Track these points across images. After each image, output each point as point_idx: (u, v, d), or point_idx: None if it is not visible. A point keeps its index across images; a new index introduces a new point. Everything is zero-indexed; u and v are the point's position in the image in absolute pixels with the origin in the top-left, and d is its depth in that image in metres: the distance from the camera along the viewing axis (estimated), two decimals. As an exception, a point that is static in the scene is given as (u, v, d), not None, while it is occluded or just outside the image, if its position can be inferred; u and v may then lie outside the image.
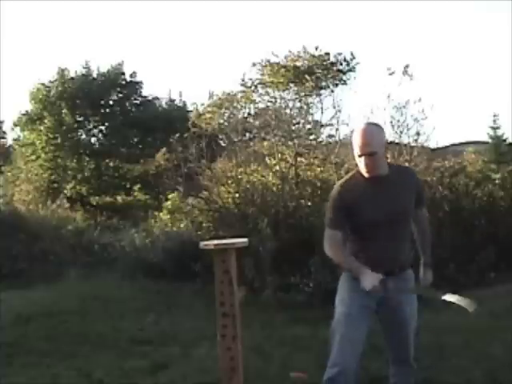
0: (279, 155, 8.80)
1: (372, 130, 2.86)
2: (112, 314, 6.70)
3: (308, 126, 9.79)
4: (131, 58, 42.94)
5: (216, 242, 3.14)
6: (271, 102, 10.53)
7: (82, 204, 18.76)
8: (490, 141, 22.41)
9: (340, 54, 12.33)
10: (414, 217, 3.01)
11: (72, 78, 20.65)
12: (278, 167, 8.64)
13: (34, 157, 19.97)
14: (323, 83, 10.96)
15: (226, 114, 9.85)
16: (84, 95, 20.27)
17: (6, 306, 7.04)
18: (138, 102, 21.91)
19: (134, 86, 21.71)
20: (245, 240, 3.21)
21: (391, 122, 8.28)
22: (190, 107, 18.28)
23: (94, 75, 21.10)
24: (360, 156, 2.82)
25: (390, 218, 2.84)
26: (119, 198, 19.96)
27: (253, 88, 11.20)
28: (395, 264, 2.91)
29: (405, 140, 8.46)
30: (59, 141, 20.04)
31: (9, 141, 24.64)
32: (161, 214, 11.31)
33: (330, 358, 2.84)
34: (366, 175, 2.85)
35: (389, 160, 8.37)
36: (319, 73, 11.13)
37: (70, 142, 20.33)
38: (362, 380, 4.01)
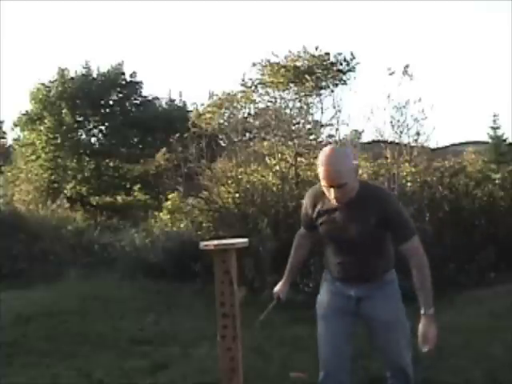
0: (279, 155, 8.80)
1: (338, 158, 2.66)
2: (112, 314, 6.70)
3: (308, 126, 9.79)
4: (131, 58, 43.04)
5: (216, 242, 3.14)
6: (271, 101, 10.54)
7: (82, 204, 18.76)
8: (490, 141, 22.42)
9: (340, 54, 12.36)
10: (401, 252, 2.78)
11: (72, 78, 20.65)
12: (278, 167, 8.65)
13: (33, 157, 19.98)
14: (323, 83, 10.97)
15: (226, 114, 9.85)
16: (84, 95, 20.27)
17: (5, 306, 7.04)
18: (138, 102, 21.91)
19: (134, 86, 21.72)
20: (245, 240, 3.20)
21: (391, 122, 8.28)
22: (190, 107, 18.31)
23: (94, 75, 21.10)
24: (327, 187, 2.70)
25: (346, 239, 2.76)
26: (119, 198, 19.96)
27: (253, 88, 11.22)
28: (363, 277, 2.85)
29: (405, 140, 8.46)
30: (59, 141, 20.05)
31: (9, 141, 24.68)
32: (161, 214, 11.31)
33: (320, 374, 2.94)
34: (333, 202, 2.73)
35: (389, 160, 8.45)
36: (319, 73, 11.15)
37: (69, 142, 20.34)
38: (362, 380, 4.02)
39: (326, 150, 2.71)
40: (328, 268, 3.00)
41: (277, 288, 3.36)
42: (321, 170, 2.68)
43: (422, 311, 2.77)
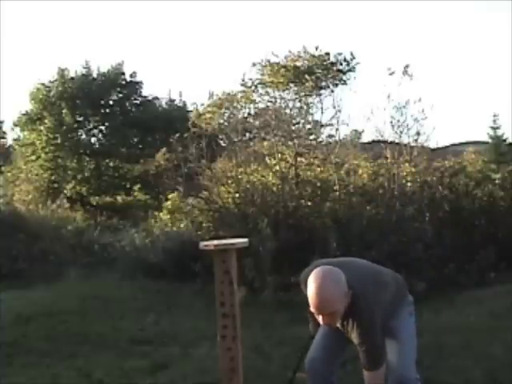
0: (279, 155, 8.80)
1: (329, 287, 2.54)
2: (112, 314, 6.70)
3: (308, 126, 9.79)
4: (131, 58, 43.00)
5: (216, 242, 3.14)
6: (271, 101, 10.55)
7: (82, 204, 18.75)
8: (490, 141, 22.40)
9: (340, 54, 12.35)
10: None
11: (72, 78, 20.63)
12: (277, 167, 8.65)
13: (33, 157, 19.97)
14: (323, 83, 10.97)
15: (226, 114, 9.85)
16: (84, 95, 20.26)
17: (5, 306, 7.04)
18: (138, 102, 21.89)
19: (134, 86, 21.70)
20: (245, 240, 3.20)
21: (391, 122, 8.29)
22: (190, 107, 18.30)
23: (94, 75, 21.08)
24: (316, 313, 2.62)
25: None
26: (119, 198, 19.95)
27: (253, 88, 11.21)
28: None
29: (405, 140, 8.47)
30: (59, 141, 20.03)
31: (9, 141, 24.65)
32: (161, 214, 11.30)
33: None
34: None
35: (389, 160, 8.44)
36: (319, 73, 11.15)
37: (70, 142, 20.32)
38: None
39: (318, 273, 2.59)
40: None
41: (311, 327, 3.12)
42: (309, 296, 2.57)
43: None
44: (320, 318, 2.61)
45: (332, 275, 2.58)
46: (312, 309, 2.59)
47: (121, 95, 21.52)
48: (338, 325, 2.71)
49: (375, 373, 2.62)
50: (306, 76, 10.56)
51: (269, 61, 11.72)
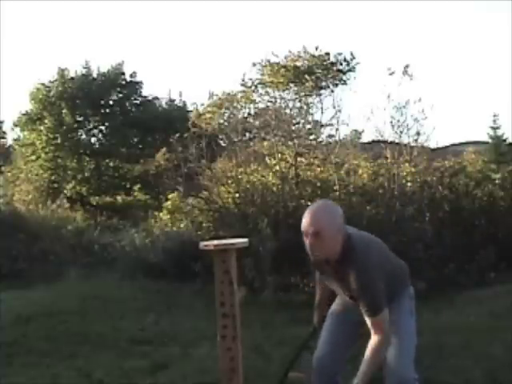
0: (279, 155, 8.80)
1: (324, 209, 2.66)
2: (112, 314, 6.70)
3: (308, 126, 9.80)
4: (131, 58, 43.02)
5: (216, 242, 3.14)
6: (271, 101, 10.55)
7: (82, 204, 18.76)
8: (490, 141, 22.43)
9: (340, 54, 12.37)
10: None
11: (72, 78, 20.65)
12: (278, 167, 8.65)
13: (33, 157, 19.98)
14: (323, 83, 10.98)
15: (226, 114, 9.86)
16: (84, 95, 20.27)
17: (5, 306, 7.04)
18: (138, 102, 21.92)
19: (134, 86, 21.72)
20: (245, 240, 3.20)
21: (391, 122, 8.29)
22: (190, 107, 18.32)
23: (94, 75, 21.10)
24: (304, 235, 2.64)
25: (341, 293, 2.81)
26: (119, 198, 19.97)
27: (253, 88, 11.22)
28: None
29: (405, 140, 8.47)
30: (59, 141, 20.05)
31: (9, 141, 24.67)
32: (161, 214, 11.31)
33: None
34: (310, 256, 2.69)
35: (389, 160, 8.44)
36: (319, 73, 11.16)
37: (69, 142, 20.34)
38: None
39: (314, 205, 2.71)
40: None
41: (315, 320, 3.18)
42: (302, 221, 2.64)
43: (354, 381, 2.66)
44: (307, 243, 2.63)
45: (328, 206, 2.70)
46: (302, 229, 2.64)
47: (121, 95, 21.54)
48: (339, 286, 2.73)
49: (379, 326, 2.61)
50: (306, 76, 10.57)
51: (269, 61, 11.74)
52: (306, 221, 2.63)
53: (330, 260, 2.67)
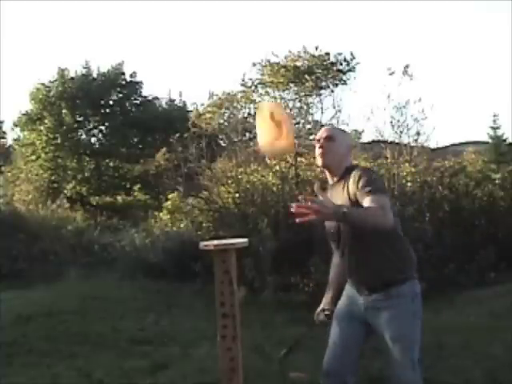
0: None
1: (335, 128, 3.03)
2: (112, 314, 6.71)
3: (308, 126, 9.79)
4: (131, 58, 43.05)
5: (216, 242, 3.13)
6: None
7: (82, 204, 18.77)
8: (490, 141, 22.44)
9: (340, 54, 12.34)
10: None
11: (72, 78, 20.67)
12: (278, 167, 8.65)
13: (33, 157, 19.99)
14: (323, 83, 10.97)
15: (226, 114, 9.86)
16: (84, 95, 20.28)
17: (5, 306, 7.04)
18: (138, 102, 21.93)
19: (134, 86, 21.73)
20: (245, 240, 3.20)
21: (391, 122, 8.30)
22: (190, 107, 18.32)
23: (94, 75, 21.12)
24: (316, 143, 2.84)
25: (336, 228, 2.74)
26: (119, 198, 19.98)
27: (253, 88, 11.21)
28: (362, 282, 2.75)
29: (405, 140, 8.48)
30: (59, 141, 20.06)
31: (9, 141, 24.68)
32: (161, 214, 11.31)
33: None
34: (318, 162, 2.87)
35: (389, 160, 8.45)
36: (319, 73, 11.14)
37: (69, 142, 20.35)
38: (362, 380, 4.02)
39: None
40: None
41: (322, 307, 3.10)
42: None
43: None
44: (318, 151, 2.82)
45: (339, 128, 3.09)
46: (316, 139, 2.86)
47: (121, 95, 21.55)
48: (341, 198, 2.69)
49: (379, 205, 2.46)
50: (306, 76, 10.56)
51: (269, 61, 11.71)
52: (321, 131, 2.88)
53: (334, 174, 2.83)
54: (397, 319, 2.68)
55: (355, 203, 2.58)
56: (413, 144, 8.56)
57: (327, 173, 2.92)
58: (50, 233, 11.40)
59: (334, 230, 2.78)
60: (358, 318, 2.82)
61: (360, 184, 2.57)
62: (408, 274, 2.72)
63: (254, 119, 10.30)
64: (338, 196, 2.73)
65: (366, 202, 2.50)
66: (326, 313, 3.03)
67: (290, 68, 11.41)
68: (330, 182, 2.90)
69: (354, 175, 2.66)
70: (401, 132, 8.36)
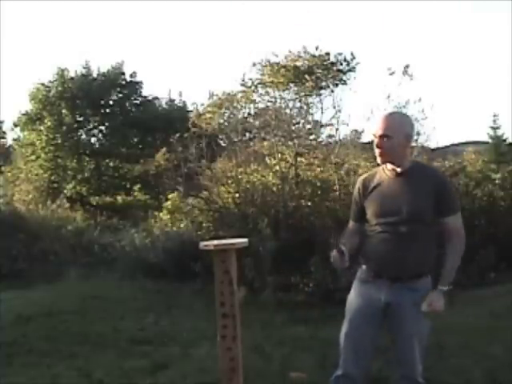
0: (279, 155, 8.80)
1: (393, 117, 2.83)
2: (112, 314, 6.71)
3: (308, 126, 9.79)
4: (131, 58, 43.03)
5: (216, 242, 3.13)
6: (271, 101, 10.53)
7: (81, 204, 18.75)
8: (490, 141, 22.43)
9: (340, 54, 12.32)
10: (440, 227, 2.80)
11: (72, 78, 20.66)
12: (277, 167, 8.65)
13: (33, 157, 19.98)
14: (323, 83, 10.95)
15: (226, 114, 9.85)
16: (84, 95, 20.27)
17: (5, 306, 7.04)
18: (138, 102, 21.92)
19: (134, 86, 21.72)
20: (245, 240, 3.20)
21: (391, 122, 8.28)
22: (190, 107, 18.31)
23: (94, 75, 21.11)
24: (375, 138, 2.76)
25: (394, 218, 2.73)
26: (119, 198, 19.97)
27: (253, 88, 11.20)
28: (398, 269, 2.75)
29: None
30: (59, 141, 20.06)
31: (9, 141, 24.67)
32: (161, 214, 11.31)
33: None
34: (378, 160, 2.79)
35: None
36: (319, 73, 11.12)
37: (69, 142, 20.35)
38: (362, 380, 4.02)
39: (387, 112, 2.89)
40: (365, 262, 2.88)
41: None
42: (375, 125, 2.79)
43: (439, 286, 2.79)
44: (375, 143, 2.76)
45: (399, 114, 3.06)
46: (374, 133, 2.77)
47: (121, 95, 21.54)
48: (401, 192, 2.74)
49: (460, 227, 2.87)
50: (306, 76, 10.55)
51: (269, 61, 11.70)
52: (377, 125, 2.76)
53: (397, 166, 2.76)
54: (416, 312, 2.75)
55: (430, 205, 2.71)
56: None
57: (388, 165, 2.81)
58: (50, 233, 11.40)
59: (394, 212, 2.74)
60: (377, 317, 2.79)
61: (445, 196, 2.76)
62: (429, 269, 2.86)
63: (254, 119, 10.33)
64: (402, 190, 2.75)
65: (452, 222, 2.82)
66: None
67: (290, 68, 11.40)
68: (389, 174, 2.81)
69: (436, 182, 2.75)
70: (401, 132, 8.35)
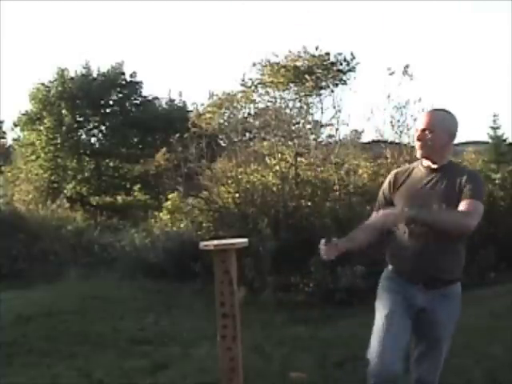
0: (279, 155, 8.80)
1: (438, 113, 2.76)
2: (112, 314, 6.70)
3: (308, 126, 9.79)
4: (131, 58, 42.98)
5: (216, 242, 3.14)
6: (271, 101, 10.54)
7: (81, 204, 18.76)
8: (490, 141, 22.39)
9: (340, 54, 12.37)
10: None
11: (72, 78, 20.65)
12: (277, 167, 8.65)
13: (33, 157, 19.98)
14: (323, 83, 10.97)
15: (226, 114, 9.85)
16: (84, 95, 20.27)
17: (5, 306, 7.04)
18: (138, 102, 21.91)
19: (134, 86, 21.71)
20: (245, 240, 3.20)
21: (391, 122, 8.29)
22: (190, 107, 18.30)
23: (94, 75, 21.10)
24: (416, 131, 2.73)
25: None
26: (119, 198, 19.97)
27: (253, 88, 11.21)
28: (430, 272, 2.66)
29: (405, 140, 8.47)
30: (59, 141, 20.05)
31: (9, 141, 24.65)
32: (161, 214, 11.31)
33: (370, 365, 2.63)
34: (417, 154, 2.74)
35: (389, 160, 8.44)
36: (319, 73, 11.14)
37: (69, 142, 20.35)
38: (361, 380, 4.01)
39: (432, 109, 2.82)
40: (394, 264, 2.79)
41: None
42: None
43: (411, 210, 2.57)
44: (416, 135, 2.72)
45: (444, 111, 2.77)
46: (417, 125, 2.73)
47: (121, 95, 21.53)
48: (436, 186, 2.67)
49: (474, 211, 2.56)
50: (306, 76, 10.56)
51: (269, 61, 11.73)
52: (421, 119, 2.75)
53: (434, 162, 2.70)
54: (449, 320, 2.72)
55: (457, 202, 2.60)
56: (413, 144, 8.55)
57: (424, 161, 2.76)
58: (50, 233, 11.40)
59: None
60: (410, 318, 2.70)
61: (470, 184, 2.62)
62: (460, 274, 2.81)
63: (254, 119, 10.34)
64: (435, 188, 2.67)
65: (463, 204, 2.58)
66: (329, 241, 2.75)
67: (290, 68, 11.42)
68: (423, 170, 2.74)
69: (466, 177, 2.64)
70: (401, 132, 8.36)
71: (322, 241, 2.73)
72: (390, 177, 2.91)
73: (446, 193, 2.64)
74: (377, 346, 2.61)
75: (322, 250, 2.73)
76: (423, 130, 2.69)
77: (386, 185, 2.91)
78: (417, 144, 2.73)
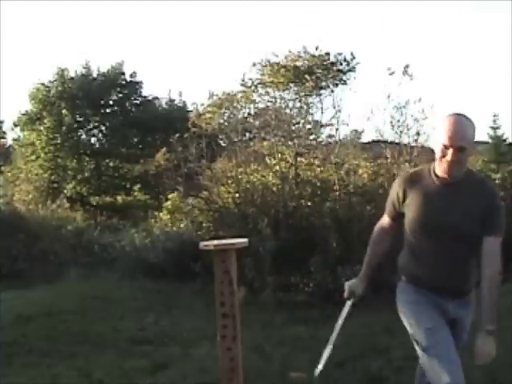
0: (279, 155, 8.79)
1: (467, 122, 2.45)
2: (112, 314, 6.71)
3: (308, 126, 9.79)
4: (131, 58, 42.94)
5: (216, 242, 3.14)
6: (271, 101, 10.54)
7: (81, 204, 18.77)
8: (490, 141, 22.38)
9: (340, 54, 12.38)
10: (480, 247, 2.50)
11: (72, 78, 20.66)
12: (277, 167, 8.64)
13: (33, 157, 19.99)
14: (323, 83, 10.97)
15: (226, 114, 9.85)
16: (84, 95, 20.27)
17: (5, 306, 7.04)
18: (138, 102, 21.92)
19: (134, 86, 21.72)
20: (245, 240, 3.20)
21: (391, 122, 8.27)
22: (190, 107, 18.31)
23: (94, 75, 21.11)
24: (447, 148, 2.41)
25: (444, 227, 2.51)
26: (119, 198, 19.98)
27: (253, 88, 11.22)
28: (453, 284, 2.59)
29: (405, 140, 8.45)
30: (59, 141, 20.07)
31: (9, 141, 24.66)
32: (161, 214, 11.32)
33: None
34: (442, 174, 2.49)
35: (389, 160, 8.45)
36: (319, 73, 11.15)
37: (69, 142, 20.36)
38: (361, 380, 4.02)
39: (455, 115, 2.47)
40: (408, 273, 2.68)
41: (350, 283, 2.86)
42: (445, 130, 2.42)
43: (485, 327, 2.55)
44: (447, 154, 2.42)
45: (469, 119, 2.49)
46: (444, 138, 2.42)
47: (121, 95, 21.54)
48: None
49: (497, 250, 2.46)
50: (306, 76, 10.56)
51: (269, 61, 11.74)
52: (452, 132, 2.41)
53: (452, 178, 2.48)
54: (466, 329, 2.77)
55: (479, 222, 2.47)
56: (413, 144, 8.54)
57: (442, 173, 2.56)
58: (50, 233, 11.40)
59: (444, 225, 2.51)
60: (444, 318, 2.65)
61: (493, 214, 2.48)
62: (473, 283, 2.70)
63: (254, 119, 10.33)
64: (452, 201, 2.51)
65: (491, 243, 2.46)
66: (354, 300, 2.85)
67: (290, 68, 11.43)
68: (437, 181, 2.54)
69: (490, 202, 2.49)
70: (401, 132, 8.34)
71: (349, 302, 2.84)
72: (405, 178, 2.67)
73: (465, 212, 2.49)
74: (442, 365, 2.56)
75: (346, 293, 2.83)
76: (459, 149, 2.41)
77: (394, 195, 2.71)
78: (446, 162, 2.45)
